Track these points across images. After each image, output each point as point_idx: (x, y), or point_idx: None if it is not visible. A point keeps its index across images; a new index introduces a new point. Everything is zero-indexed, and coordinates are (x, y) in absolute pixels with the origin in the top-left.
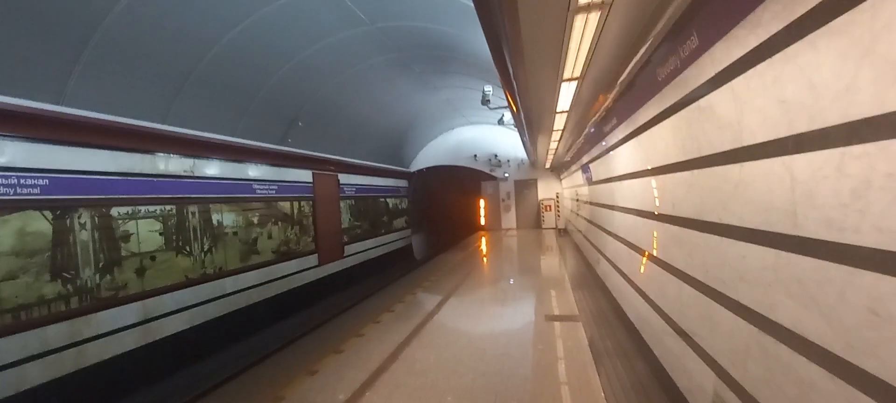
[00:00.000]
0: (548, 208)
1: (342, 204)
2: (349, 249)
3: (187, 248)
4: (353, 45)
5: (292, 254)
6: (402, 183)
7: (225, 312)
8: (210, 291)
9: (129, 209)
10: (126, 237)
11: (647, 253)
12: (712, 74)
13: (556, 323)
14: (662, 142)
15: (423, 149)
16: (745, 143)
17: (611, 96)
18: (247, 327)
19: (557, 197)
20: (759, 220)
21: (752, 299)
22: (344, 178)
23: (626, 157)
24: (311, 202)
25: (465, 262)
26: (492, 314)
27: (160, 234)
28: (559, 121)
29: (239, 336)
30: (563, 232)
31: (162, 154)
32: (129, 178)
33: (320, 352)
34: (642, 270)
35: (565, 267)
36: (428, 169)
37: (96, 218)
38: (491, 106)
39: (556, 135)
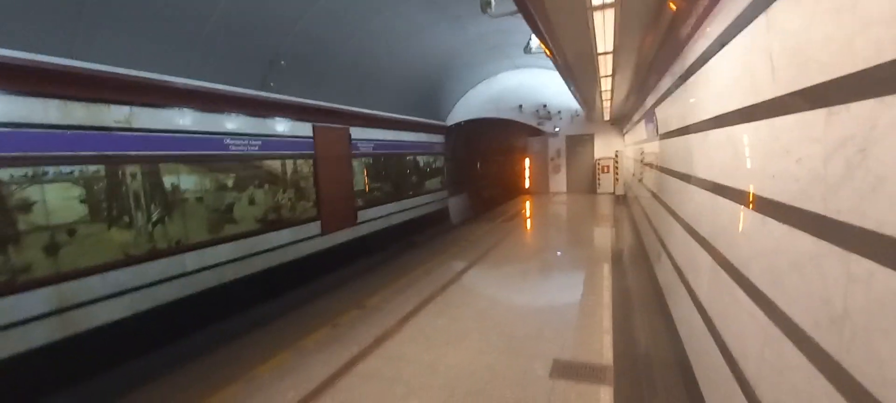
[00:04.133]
0: (605, 169)
1: (355, 162)
2: (364, 215)
3: (126, 219)
4: None
5: (284, 223)
6: (437, 138)
7: (185, 294)
8: (162, 270)
9: (26, 171)
10: (24, 206)
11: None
12: None
13: (568, 385)
14: None
15: (461, 100)
16: None
17: None
18: (218, 310)
19: (617, 156)
20: None
21: None
22: (357, 133)
23: (749, 69)
24: (311, 161)
25: (485, 238)
26: (465, 353)
27: (82, 202)
28: (603, 32)
29: (205, 322)
30: (620, 200)
31: (77, 99)
32: (24, 131)
33: None
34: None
35: (610, 260)
36: (467, 123)
37: None
38: (492, 12)
39: (605, 67)
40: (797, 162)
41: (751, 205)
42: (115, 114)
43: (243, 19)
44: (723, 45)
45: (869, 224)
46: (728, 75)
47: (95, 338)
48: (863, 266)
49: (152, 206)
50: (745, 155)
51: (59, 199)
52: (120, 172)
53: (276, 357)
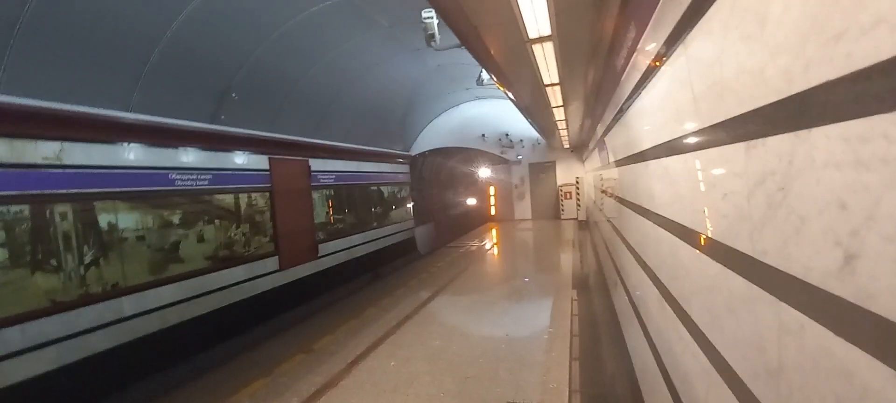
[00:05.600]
0: (567, 195)
1: (316, 195)
2: (326, 248)
3: (53, 262)
4: None
5: (237, 259)
6: (402, 168)
7: (124, 340)
8: (96, 316)
9: None
10: None
11: None
12: None
13: None
14: None
15: (425, 130)
16: None
17: None
18: (163, 356)
19: (578, 182)
20: None
21: None
22: (318, 165)
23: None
24: (267, 194)
25: (448, 268)
26: (414, 400)
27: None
28: (546, 64)
29: (144, 371)
30: (583, 226)
31: None
32: None
33: None
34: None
35: (571, 289)
36: (431, 152)
37: None
38: (437, 45)
39: (555, 97)
40: (723, 197)
41: (689, 240)
42: (42, 151)
43: (191, 50)
44: (651, 76)
45: (795, 269)
46: (659, 106)
47: (13, 397)
48: (793, 316)
49: (85, 248)
50: (680, 186)
51: None
52: (48, 212)
53: None
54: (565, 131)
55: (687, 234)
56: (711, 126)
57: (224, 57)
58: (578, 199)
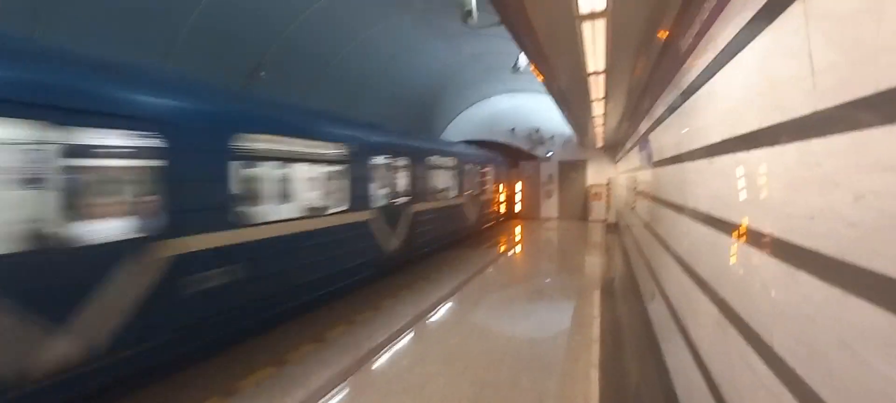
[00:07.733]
0: (597, 196)
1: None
2: None
3: None
4: None
5: None
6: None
7: None
8: None
9: None
10: None
11: None
12: None
13: None
14: None
15: (455, 120)
16: None
17: None
18: None
19: (609, 183)
20: None
21: None
22: None
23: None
24: None
25: (469, 264)
26: None
27: None
28: (594, 47)
29: None
30: (612, 228)
31: None
32: None
33: None
34: None
35: (599, 294)
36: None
37: None
38: (474, 23)
39: (597, 89)
40: (856, 201)
41: (778, 254)
42: None
43: (221, 26)
44: (738, 51)
45: None
46: (743, 88)
47: None
48: None
49: None
50: (768, 187)
51: None
52: None
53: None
54: (601, 127)
55: (779, 247)
56: (842, 104)
57: (254, 34)
58: (608, 201)
